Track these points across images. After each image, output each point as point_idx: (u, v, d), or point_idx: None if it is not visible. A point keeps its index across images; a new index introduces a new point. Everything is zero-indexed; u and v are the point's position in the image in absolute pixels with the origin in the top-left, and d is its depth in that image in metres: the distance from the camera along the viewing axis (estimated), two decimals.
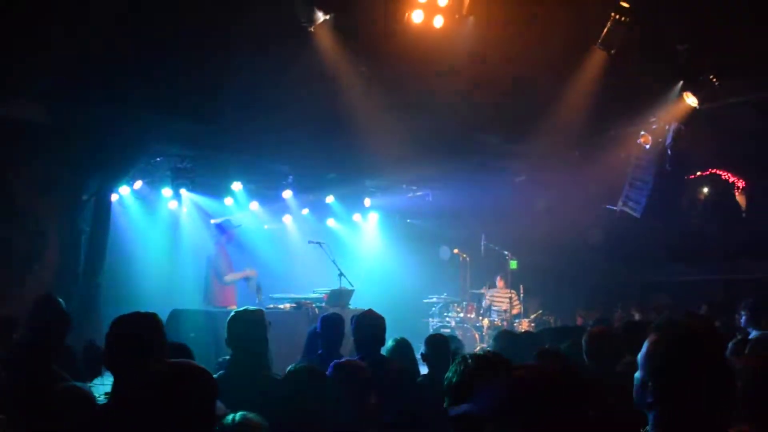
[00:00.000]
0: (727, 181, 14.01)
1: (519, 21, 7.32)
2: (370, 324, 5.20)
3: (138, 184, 11.40)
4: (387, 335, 5.37)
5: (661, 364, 2.13)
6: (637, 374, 2.20)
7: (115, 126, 8.91)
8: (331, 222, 14.54)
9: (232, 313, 4.51)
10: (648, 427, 2.14)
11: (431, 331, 11.88)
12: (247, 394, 3.55)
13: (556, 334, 7.25)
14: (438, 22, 7.35)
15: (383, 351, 5.35)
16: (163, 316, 7.91)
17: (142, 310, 3.69)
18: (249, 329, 4.37)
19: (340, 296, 9.39)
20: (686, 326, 2.22)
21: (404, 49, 8.09)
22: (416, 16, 7.28)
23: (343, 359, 4.21)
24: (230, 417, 2.75)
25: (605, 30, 7.95)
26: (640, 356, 2.21)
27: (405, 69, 8.51)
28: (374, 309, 5.47)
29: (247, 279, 9.52)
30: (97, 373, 5.66)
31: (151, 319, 3.52)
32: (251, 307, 4.73)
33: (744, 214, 13.69)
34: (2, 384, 3.61)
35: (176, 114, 8.63)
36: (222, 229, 9.74)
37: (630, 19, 7.82)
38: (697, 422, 2.06)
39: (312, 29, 7.54)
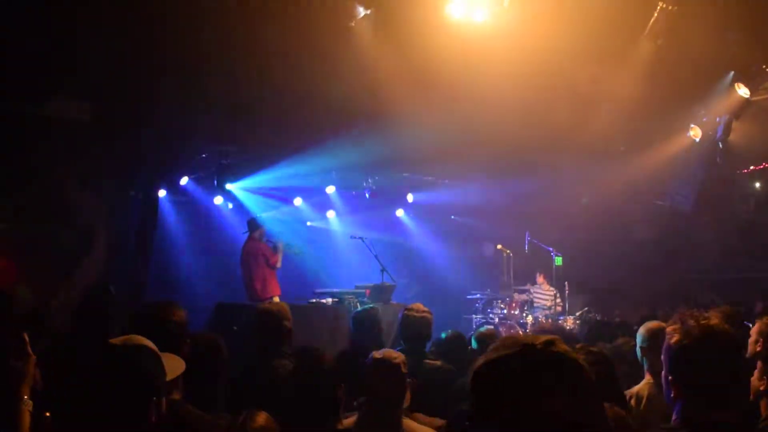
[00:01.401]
0: None
1: (562, 13, 7.16)
2: (414, 318, 5.12)
3: (185, 179, 11.58)
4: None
5: (679, 360, 2.13)
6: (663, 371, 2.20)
7: (158, 122, 9.04)
8: (373, 217, 14.53)
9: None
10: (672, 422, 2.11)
11: (474, 327, 11.81)
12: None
13: (592, 331, 7.12)
14: (479, 16, 7.25)
15: (434, 344, 5.33)
16: (209, 311, 8.09)
17: (189, 303, 3.75)
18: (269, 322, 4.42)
19: (382, 291, 9.40)
20: (701, 322, 2.20)
21: (446, 44, 8.03)
22: (456, 11, 7.20)
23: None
24: None
25: (652, 20, 7.74)
26: (665, 354, 2.21)
27: (447, 64, 8.42)
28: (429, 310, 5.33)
29: (286, 250, 10.07)
30: None
31: (166, 306, 3.46)
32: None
33: None
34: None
35: (218, 110, 8.72)
36: (255, 225, 9.98)
37: (677, 7, 7.59)
38: (715, 416, 2.04)
39: (352, 24, 7.53)
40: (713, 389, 2.09)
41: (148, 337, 2.48)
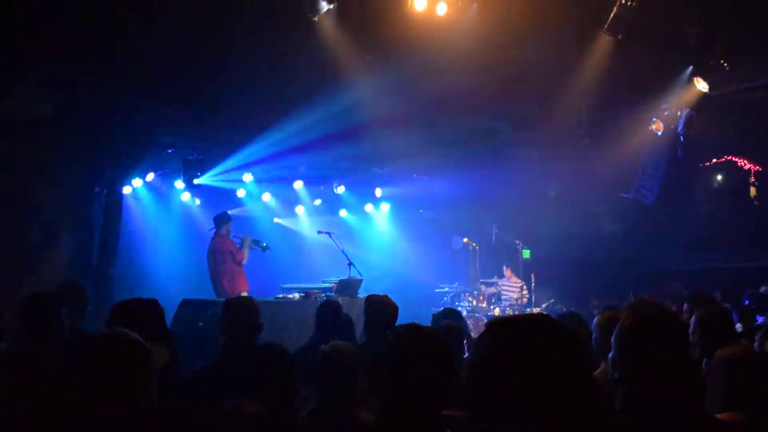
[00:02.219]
0: (743, 168, 13.81)
1: (523, 7, 7.21)
2: (381, 309, 5.14)
3: (150, 176, 11.47)
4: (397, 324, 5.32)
5: (624, 343, 2.15)
6: (611, 354, 2.22)
7: (122, 118, 8.95)
8: (343, 212, 14.56)
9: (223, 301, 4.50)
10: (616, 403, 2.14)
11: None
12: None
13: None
14: (441, 9, 7.29)
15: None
16: (175, 307, 8.04)
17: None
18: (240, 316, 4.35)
19: (349, 286, 9.40)
20: (650, 308, 2.23)
21: (409, 38, 8.05)
22: (419, 4, 7.22)
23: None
24: None
25: (612, 15, 7.82)
26: (613, 337, 2.23)
27: (410, 57, 8.45)
28: (386, 296, 5.36)
29: (253, 246, 9.99)
30: None
31: (150, 304, 3.59)
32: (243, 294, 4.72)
33: (756, 202, 13.50)
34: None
35: (182, 105, 8.65)
36: (222, 221, 9.94)
37: (636, 3, 7.68)
38: (657, 400, 2.06)
39: (316, 19, 7.51)
40: (658, 373, 2.10)
41: (136, 329, 2.51)
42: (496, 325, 1.51)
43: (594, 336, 4.25)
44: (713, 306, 4.92)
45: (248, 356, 3.59)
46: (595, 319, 4.35)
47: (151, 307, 3.59)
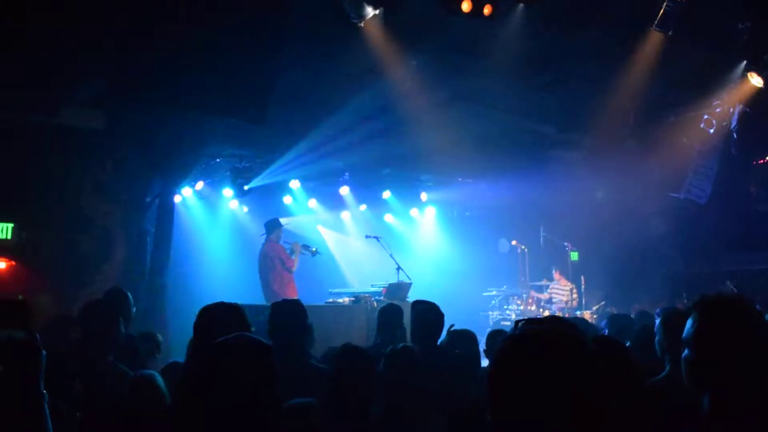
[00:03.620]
0: None
1: (570, 6, 7.14)
2: (425, 312, 5.14)
3: (200, 184, 11.65)
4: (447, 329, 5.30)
5: (711, 341, 2.06)
6: (685, 354, 2.13)
7: (171, 128, 9.10)
8: (388, 217, 14.57)
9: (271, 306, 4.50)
10: (704, 409, 2.05)
11: (491, 324, 11.79)
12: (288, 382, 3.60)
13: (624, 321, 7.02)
14: (487, 10, 7.25)
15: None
16: None
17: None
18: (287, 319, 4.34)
19: (398, 289, 9.39)
20: (725, 300, 2.15)
21: (455, 41, 8.04)
22: (465, 6, 7.19)
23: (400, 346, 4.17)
24: None
25: (661, 11, 7.68)
26: (685, 336, 2.14)
27: (456, 61, 8.43)
28: (433, 303, 5.36)
29: (304, 251, 10.08)
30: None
31: (234, 307, 3.64)
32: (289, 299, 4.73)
33: None
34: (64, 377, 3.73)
35: (230, 114, 8.76)
36: (272, 227, 10.03)
37: None
38: (756, 397, 1.97)
39: (362, 25, 7.54)
40: (749, 370, 2.00)
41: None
42: (508, 340, 1.57)
43: (657, 338, 4.14)
44: None
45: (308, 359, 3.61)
46: (659, 320, 4.24)
47: (237, 311, 3.62)
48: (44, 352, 2.07)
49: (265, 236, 10.14)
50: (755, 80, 9.18)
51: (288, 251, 9.98)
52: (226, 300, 8.55)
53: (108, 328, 4.29)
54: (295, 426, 3.00)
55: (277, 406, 2.37)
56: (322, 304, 9.12)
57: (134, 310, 5.95)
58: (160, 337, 5.19)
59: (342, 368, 3.53)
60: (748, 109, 9.86)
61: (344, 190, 12.87)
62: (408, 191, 13.76)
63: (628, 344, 4.70)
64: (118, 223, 9.88)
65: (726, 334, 2.04)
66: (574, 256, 13.09)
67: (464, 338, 5.43)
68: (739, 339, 2.02)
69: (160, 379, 3.42)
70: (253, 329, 6.82)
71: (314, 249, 10.31)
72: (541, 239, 12.71)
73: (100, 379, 3.84)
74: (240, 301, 8.66)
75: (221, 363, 2.27)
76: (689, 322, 2.14)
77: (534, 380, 1.48)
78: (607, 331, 6.24)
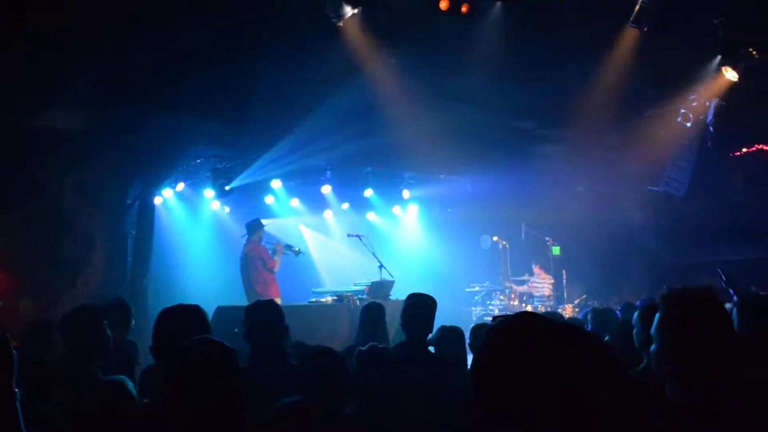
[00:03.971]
0: None
1: (546, 3, 7.20)
2: (418, 305, 5.09)
3: (180, 185, 11.60)
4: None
5: (676, 330, 2.13)
6: (653, 346, 2.20)
7: (152, 129, 9.07)
8: (371, 215, 14.60)
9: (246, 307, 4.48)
10: (668, 398, 2.12)
11: (474, 320, 11.88)
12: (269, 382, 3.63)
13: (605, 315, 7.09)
14: (464, 8, 7.29)
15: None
16: (209, 314, 8.12)
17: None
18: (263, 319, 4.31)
19: (381, 288, 9.43)
20: (688, 293, 2.21)
21: (434, 39, 8.08)
22: (443, 4, 7.23)
23: (366, 346, 4.20)
24: None
25: (637, 7, 7.77)
26: (652, 329, 2.21)
27: (435, 59, 8.47)
28: (434, 298, 5.29)
29: (286, 251, 10.08)
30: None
31: (194, 310, 3.65)
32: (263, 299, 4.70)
33: None
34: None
35: (210, 115, 8.75)
36: (254, 228, 10.03)
37: None
38: (720, 384, 2.03)
39: (341, 24, 7.55)
40: (712, 358, 2.06)
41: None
42: (491, 332, 1.61)
43: (635, 331, 4.21)
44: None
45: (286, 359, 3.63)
46: (636, 313, 4.31)
47: (195, 313, 3.63)
48: (14, 351, 2.09)
49: (246, 237, 10.14)
50: (730, 74, 9.31)
51: (270, 252, 9.99)
52: (211, 301, 8.56)
53: (94, 335, 4.30)
54: (292, 424, 3.03)
55: (244, 407, 2.39)
56: (306, 303, 9.15)
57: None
58: (136, 344, 5.17)
59: (315, 370, 3.55)
60: (723, 103, 9.99)
61: (326, 189, 12.87)
62: (390, 189, 13.78)
63: (607, 338, 4.77)
64: (99, 225, 9.82)
65: (687, 326, 2.11)
66: (556, 250, 13.21)
67: (453, 334, 5.46)
68: (701, 330, 2.09)
69: (130, 384, 3.41)
70: (235, 330, 6.82)
71: (297, 249, 10.33)
72: (523, 234, 12.81)
73: (82, 385, 3.84)
74: (223, 303, 8.72)
75: (185, 367, 2.31)
76: (656, 315, 2.21)
77: (514, 372, 1.51)
78: (590, 325, 6.31)
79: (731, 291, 6.37)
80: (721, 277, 6.89)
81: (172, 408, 2.28)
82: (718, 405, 2.01)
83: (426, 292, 5.28)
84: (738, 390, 2.04)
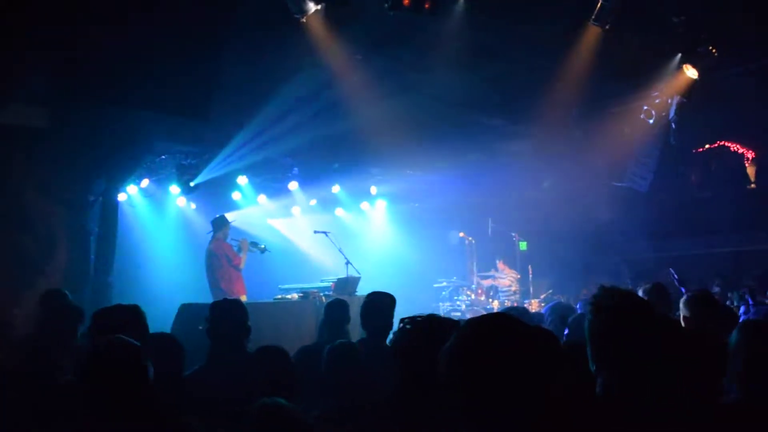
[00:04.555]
0: (736, 152, 13.89)
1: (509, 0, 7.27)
2: (376, 303, 5.14)
3: (145, 182, 11.49)
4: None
5: (597, 333, 2.21)
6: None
7: (115, 126, 8.97)
8: (339, 211, 14.60)
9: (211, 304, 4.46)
10: (598, 394, 2.18)
11: (442, 315, 11.94)
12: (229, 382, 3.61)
13: (565, 310, 7.20)
14: (427, 4, 7.31)
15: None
16: (174, 312, 8.08)
17: (154, 306, 3.81)
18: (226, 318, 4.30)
19: (347, 284, 9.45)
20: (616, 297, 2.28)
21: (399, 35, 8.11)
22: (406, 2, 7.25)
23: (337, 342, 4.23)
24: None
25: (598, 5, 7.86)
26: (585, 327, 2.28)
27: (400, 54, 8.50)
28: (393, 296, 5.32)
29: (252, 249, 10.02)
30: None
31: (131, 310, 3.64)
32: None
33: (754, 185, 13.59)
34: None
35: (173, 110, 8.67)
36: (219, 224, 9.98)
37: None
38: (639, 386, 2.10)
39: (304, 20, 7.54)
40: (631, 361, 2.15)
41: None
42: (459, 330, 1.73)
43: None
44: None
45: (245, 360, 3.63)
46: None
47: (131, 313, 3.61)
48: None
49: (211, 234, 10.08)
50: (690, 72, 9.47)
51: (235, 248, 9.94)
52: (176, 299, 8.49)
53: (64, 338, 4.28)
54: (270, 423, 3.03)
55: (150, 403, 2.44)
56: (271, 300, 9.12)
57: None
58: None
59: (260, 370, 3.54)
60: (685, 100, 10.15)
61: (293, 186, 12.84)
62: (358, 185, 13.81)
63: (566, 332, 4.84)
64: (61, 222, 9.69)
65: (610, 325, 2.19)
66: (523, 245, 13.33)
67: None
68: (624, 329, 2.17)
69: None
70: (199, 327, 6.80)
71: (263, 246, 10.28)
72: (490, 230, 12.90)
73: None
74: (189, 300, 8.65)
75: (94, 365, 2.36)
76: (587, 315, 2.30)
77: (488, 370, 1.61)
78: (550, 319, 6.40)
79: (682, 289, 6.55)
80: (673, 276, 7.09)
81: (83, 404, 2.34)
82: (637, 401, 2.09)
83: (394, 288, 5.32)
84: (658, 386, 2.12)
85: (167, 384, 3.22)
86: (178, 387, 3.61)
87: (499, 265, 12.94)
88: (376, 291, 5.31)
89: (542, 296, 12.38)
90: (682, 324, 4.23)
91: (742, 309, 6.80)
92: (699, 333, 3.57)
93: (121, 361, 2.39)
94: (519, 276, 12.62)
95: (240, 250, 9.92)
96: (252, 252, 10.15)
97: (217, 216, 10.34)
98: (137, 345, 2.51)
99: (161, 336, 3.90)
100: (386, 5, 7.24)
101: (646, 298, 4.75)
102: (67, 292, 5.48)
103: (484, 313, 10.93)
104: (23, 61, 7.20)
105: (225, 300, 4.58)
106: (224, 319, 4.25)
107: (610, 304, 2.23)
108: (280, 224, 13.96)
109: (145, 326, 3.49)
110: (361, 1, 7.71)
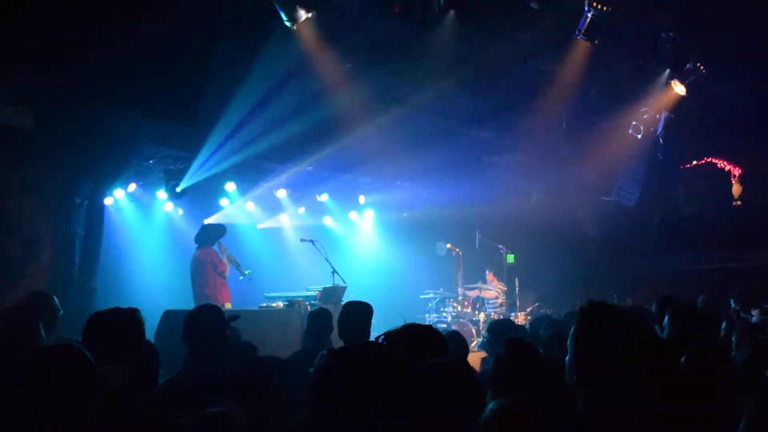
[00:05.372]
0: (723, 169, 14.00)
1: (498, 12, 7.32)
2: (353, 312, 5.16)
3: (132, 186, 11.42)
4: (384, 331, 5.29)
5: (582, 346, 2.21)
6: (567, 357, 2.27)
7: (102, 128, 8.94)
8: (327, 220, 14.59)
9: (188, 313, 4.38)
10: (578, 407, 2.18)
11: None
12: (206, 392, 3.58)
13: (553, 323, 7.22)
14: (418, 15, 7.37)
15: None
16: (157, 317, 8.04)
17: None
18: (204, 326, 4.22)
19: (333, 293, 9.44)
20: (599, 308, 2.30)
21: (389, 45, 8.15)
22: (396, 11, 7.31)
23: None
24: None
25: (587, 20, 7.94)
26: (569, 339, 2.29)
27: (391, 65, 8.54)
28: (371, 305, 5.35)
29: (234, 267, 10.01)
30: None
31: (129, 314, 3.60)
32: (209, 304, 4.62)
33: (740, 202, 13.70)
34: None
35: (162, 114, 8.65)
36: (212, 234, 9.96)
37: (611, 8, 7.80)
38: (622, 400, 2.11)
39: (295, 27, 7.56)
40: (613, 373, 2.16)
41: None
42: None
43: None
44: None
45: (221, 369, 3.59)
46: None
47: (130, 318, 3.56)
48: None
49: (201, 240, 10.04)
50: (678, 88, 9.57)
51: (219, 254, 9.91)
52: (162, 305, 8.43)
53: (26, 336, 4.19)
54: None
55: (88, 411, 2.36)
56: (256, 308, 9.10)
57: (61, 313, 5.84)
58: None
59: (241, 379, 3.51)
60: (673, 116, 10.25)
61: (281, 193, 12.83)
62: (346, 194, 13.81)
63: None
64: (46, 225, 9.62)
65: (593, 339, 2.20)
66: (510, 258, 13.34)
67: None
68: (607, 343, 2.17)
69: None
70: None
71: (247, 272, 10.18)
72: (477, 242, 12.93)
73: None
74: (174, 306, 8.60)
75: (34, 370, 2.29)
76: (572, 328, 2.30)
77: None
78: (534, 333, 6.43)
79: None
80: (657, 292, 7.15)
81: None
82: (619, 415, 2.10)
83: (381, 298, 5.36)
84: (640, 400, 2.13)
85: (140, 391, 3.19)
86: (151, 395, 3.57)
87: (489, 276, 12.94)
88: (353, 300, 5.34)
89: (528, 309, 12.39)
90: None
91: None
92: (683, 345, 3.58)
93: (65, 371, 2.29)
94: (506, 288, 12.63)
95: (227, 258, 9.88)
96: (235, 270, 10.10)
97: (212, 224, 10.28)
98: (85, 355, 2.39)
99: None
100: (377, 14, 7.27)
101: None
102: (49, 292, 5.42)
103: (470, 325, 10.92)
104: (8, 59, 7.16)
105: (203, 306, 4.49)
106: (201, 326, 4.17)
107: (597, 318, 2.24)
108: (266, 231, 13.92)
109: (141, 333, 3.44)
110: (352, 10, 7.74)
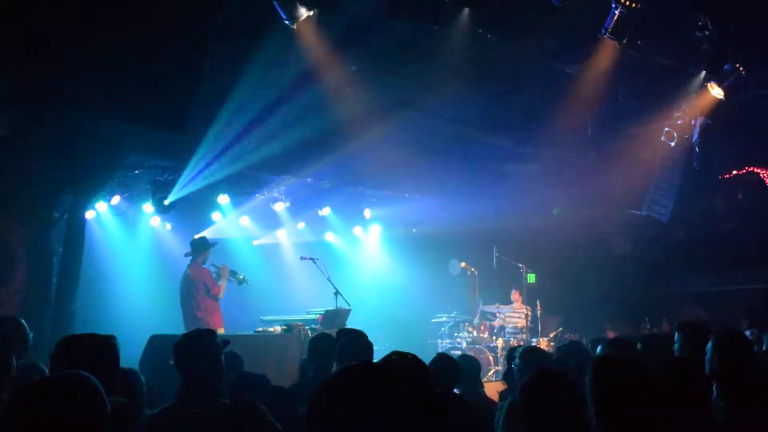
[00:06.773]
0: (765, 179, 13.95)
1: (517, 12, 7.34)
2: (352, 343, 5.14)
3: (116, 199, 11.46)
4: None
5: (598, 398, 2.31)
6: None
7: (84, 135, 8.99)
8: (329, 236, 14.60)
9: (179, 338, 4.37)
10: None
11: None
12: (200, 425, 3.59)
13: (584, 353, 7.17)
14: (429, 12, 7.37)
15: None
16: (143, 343, 8.05)
17: (121, 336, 3.77)
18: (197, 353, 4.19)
19: (336, 317, 9.40)
20: (615, 360, 2.41)
21: (397, 46, 8.18)
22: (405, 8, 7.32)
23: None
24: None
25: (614, 17, 7.93)
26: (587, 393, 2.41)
27: (399, 67, 8.57)
28: (378, 330, 5.39)
29: (230, 278, 10.05)
30: None
31: (104, 341, 3.61)
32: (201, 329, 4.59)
33: None
34: None
35: (149, 123, 8.70)
36: (199, 247, 9.97)
37: (641, 4, 7.80)
38: None
39: (295, 26, 7.60)
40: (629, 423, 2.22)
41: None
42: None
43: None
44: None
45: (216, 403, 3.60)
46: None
47: (101, 344, 3.57)
48: None
49: (190, 257, 10.08)
50: (715, 91, 9.51)
51: (214, 275, 9.93)
52: (147, 329, 8.43)
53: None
54: None
55: None
56: (251, 333, 9.10)
57: (31, 336, 5.88)
58: (45, 369, 5.10)
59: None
60: (709, 122, 10.22)
61: (279, 207, 12.85)
62: (350, 207, 13.81)
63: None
64: (21, 241, 9.66)
65: (612, 393, 2.31)
66: (531, 278, 13.30)
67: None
68: (626, 398, 2.27)
69: None
70: (170, 362, 6.76)
71: (242, 276, 10.26)
72: (494, 260, 12.90)
73: None
74: (161, 331, 8.61)
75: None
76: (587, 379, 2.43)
77: None
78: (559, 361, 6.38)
79: None
80: (701, 313, 7.09)
81: None
82: None
83: (388, 322, 5.36)
84: None
85: (125, 423, 3.20)
86: (136, 426, 3.59)
87: (514, 295, 12.84)
88: (348, 328, 5.33)
89: (551, 335, 12.32)
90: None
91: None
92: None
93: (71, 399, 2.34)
94: (530, 312, 12.48)
95: (219, 277, 9.90)
96: (230, 281, 10.15)
97: (197, 237, 10.33)
98: (91, 383, 2.44)
99: (122, 371, 3.87)
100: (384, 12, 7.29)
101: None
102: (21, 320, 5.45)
103: (487, 352, 10.86)
104: None
105: (195, 331, 4.46)
106: (195, 353, 4.15)
107: (611, 374, 2.34)
108: (263, 248, 13.94)
109: (116, 362, 3.46)
110: (357, 8, 7.76)
